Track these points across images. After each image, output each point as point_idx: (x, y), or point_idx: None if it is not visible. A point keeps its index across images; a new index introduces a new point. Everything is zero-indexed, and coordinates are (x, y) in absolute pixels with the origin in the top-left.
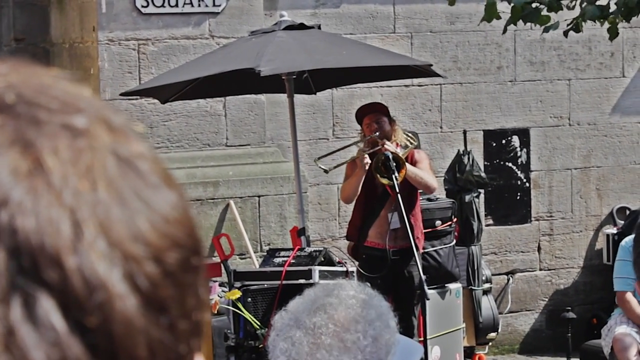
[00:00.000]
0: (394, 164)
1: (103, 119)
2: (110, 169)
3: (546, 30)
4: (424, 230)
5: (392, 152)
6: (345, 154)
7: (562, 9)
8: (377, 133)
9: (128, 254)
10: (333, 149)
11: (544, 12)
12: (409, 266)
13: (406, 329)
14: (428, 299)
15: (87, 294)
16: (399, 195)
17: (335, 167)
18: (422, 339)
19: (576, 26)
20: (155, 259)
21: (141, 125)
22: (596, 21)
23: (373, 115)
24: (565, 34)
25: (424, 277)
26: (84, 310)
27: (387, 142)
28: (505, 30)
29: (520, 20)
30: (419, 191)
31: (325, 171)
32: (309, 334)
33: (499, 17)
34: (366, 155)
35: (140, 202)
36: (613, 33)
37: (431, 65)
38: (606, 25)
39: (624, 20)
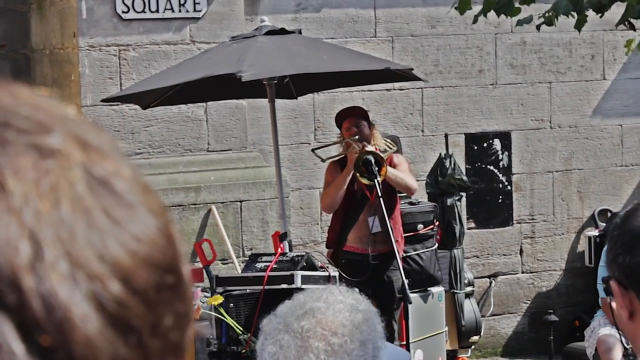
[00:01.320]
0: (376, 168)
1: (77, 138)
2: (78, 188)
3: (519, 23)
4: (405, 235)
5: (372, 153)
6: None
7: (534, 2)
8: (357, 137)
9: (92, 274)
10: (322, 146)
11: (517, 4)
12: (389, 270)
13: (388, 334)
14: (410, 303)
15: (46, 315)
16: (380, 198)
17: (329, 158)
18: (404, 342)
19: (549, 20)
20: (123, 279)
21: (123, 145)
22: (569, 15)
23: (352, 119)
24: (538, 27)
25: (406, 281)
26: (43, 332)
27: (367, 145)
28: (475, 20)
29: (494, 12)
30: (399, 195)
31: (322, 160)
32: (297, 338)
33: (470, 8)
34: (356, 148)
35: (110, 221)
36: (581, 24)
37: (412, 69)
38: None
39: (594, 13)
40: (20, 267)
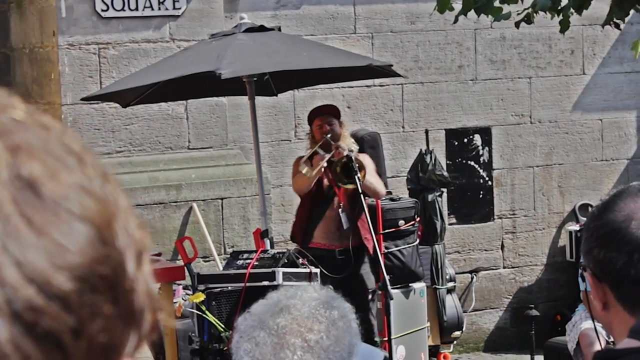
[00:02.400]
0: (356, 165)
1: (9, 139)
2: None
3: (497, 20)
4: (387, 231)
5: (351, 153)
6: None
7: (515, 2)
8: (329, 135)
9: (5, 281)
10: (297, 150)
11: (497, 4)
12: (358, 265)
13: (366, 330)
14: (392, 299)
15: None
16: (362, 195)
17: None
18: (386, 338)
19: (527, 17)
20: (38, 285)
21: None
22: (547, 12)
23: (324, 117)
24: (517, 25)
25: (387, 277)
26: None
27: (341, 145)
28: (456, 20)
29: (474, 12)
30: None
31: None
32: (273, 335)
33: (452, 9)
34: (325, 161)
35: (29, 227)
36: (565, 26)
37: (392, 65)
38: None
39: (574, 13)
40: None
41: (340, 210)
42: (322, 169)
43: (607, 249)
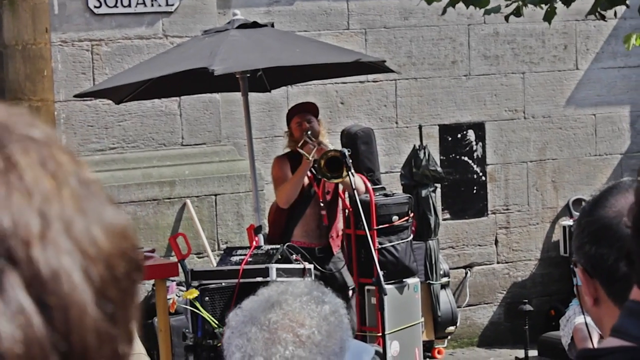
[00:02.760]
0: (350, 161)
1: (61, 146)
2: (71, 180)
3: (487, 12)
4: (380, 226)
5: (335, 151)
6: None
7: None
8: (310, 132)
9: (85, 254)
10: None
11: None
12: (336, 263)
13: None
14: (386, 294)
15: (51, 278)
16: (355, 190)
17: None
18: (380, 334)
19: (517, 10)
20: (106, 263)
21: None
22: (537, 6)
23: (302, 115)
24: (507, 18)
25: (381, 273)
26: (46, 291)
27: (323, 142)
28: (444, 11)
29: (463, 5)
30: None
31: (307, 158)
32: (265, 330)
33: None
34: (312, 154)
35: (96, 215)
36: (551, 16)
37: (384, 61)
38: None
39: (564, 5)
40: (32, 236)
41: (319, 207)
42: (310, 163)
43: (598, 245)
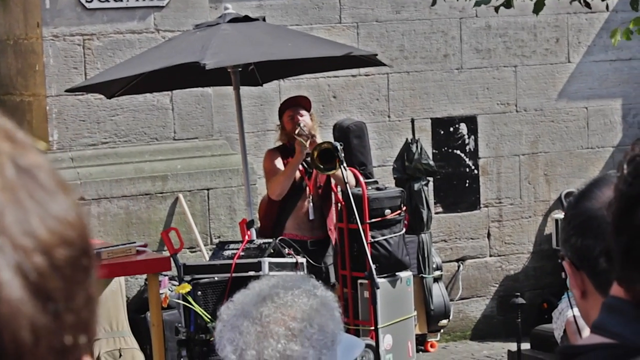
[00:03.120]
0: (342, 154)
1: (5, 131)
2: (7, 173)
3: (477, 4)
4: (373, 220)
5: (327, 142)
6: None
7: None
8: (303, 125)
9: (17, 246)
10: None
11: None
12: (325, 257)
13: None
14: (378, 288)
15: None
16: (347, 184)
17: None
18: (372, 328)
19: (507, 2)
20: (44, 253)
21: (44, 143)
22: None
23: (295, 109)
24: (497, 9)
25: (373, 266)
26: None
27: (315, 136)
28: (434, 3)
29: None
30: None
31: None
32: (257, 323)
33: None
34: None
35: (34, 203)
36: (540, 7)
37: (376, 54)
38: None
39: None
40: None
41: (308, 200)
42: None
43: (584, 237)
